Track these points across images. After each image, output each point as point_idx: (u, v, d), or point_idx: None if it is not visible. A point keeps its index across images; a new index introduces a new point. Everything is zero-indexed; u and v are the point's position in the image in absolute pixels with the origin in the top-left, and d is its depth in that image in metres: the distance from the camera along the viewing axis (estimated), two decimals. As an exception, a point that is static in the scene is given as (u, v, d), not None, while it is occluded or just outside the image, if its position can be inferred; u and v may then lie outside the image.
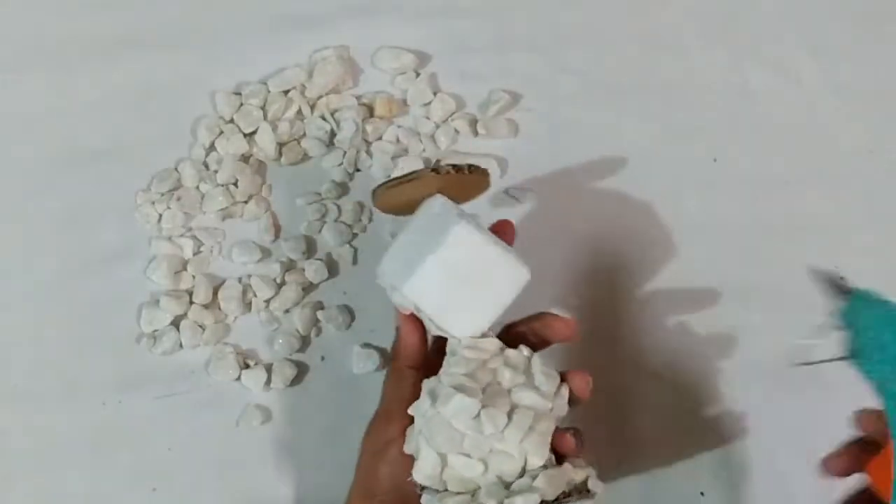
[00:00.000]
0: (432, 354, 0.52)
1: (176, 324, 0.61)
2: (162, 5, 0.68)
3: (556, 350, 0.51)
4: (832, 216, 0.66)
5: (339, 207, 0.64)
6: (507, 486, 0.45)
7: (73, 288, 0.62)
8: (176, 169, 0.65)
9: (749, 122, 0.68)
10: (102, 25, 0.68)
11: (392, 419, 0.50)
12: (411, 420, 0.48)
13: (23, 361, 0.61)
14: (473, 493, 0.45)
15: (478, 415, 0.45)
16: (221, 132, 0.65)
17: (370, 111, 0.67)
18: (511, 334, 0.51)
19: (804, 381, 0.62)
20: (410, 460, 0.47)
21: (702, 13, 0.71)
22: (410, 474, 0.47)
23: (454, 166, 0.50)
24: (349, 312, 0.62)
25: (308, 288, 0.63)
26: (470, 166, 0.51)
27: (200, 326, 0.61)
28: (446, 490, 0.46)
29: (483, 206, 0.62)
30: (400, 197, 0.51)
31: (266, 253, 0.63)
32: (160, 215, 0.63)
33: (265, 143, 0.64)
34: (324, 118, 0.66)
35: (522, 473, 0.46)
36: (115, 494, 0.59)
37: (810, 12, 0.71)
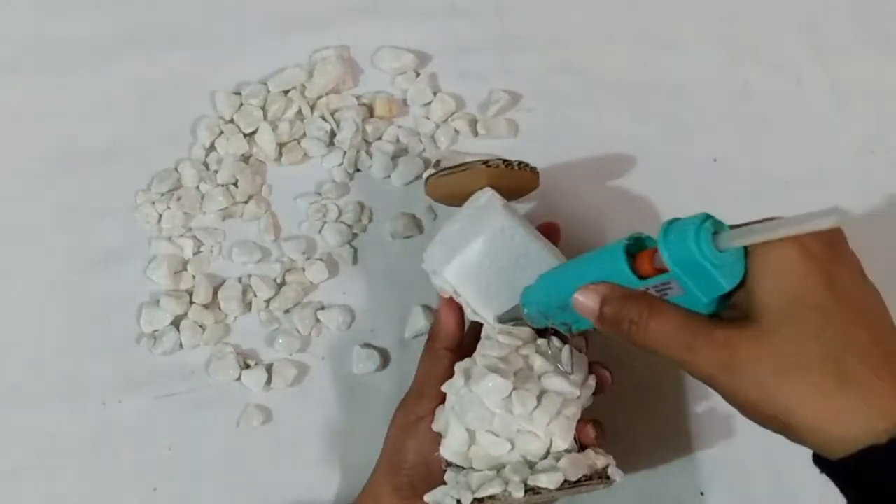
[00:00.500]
0: (467, 339, 0.54)
1: (176, 324, 0.61)
2: (162, 5, 0.68)
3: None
4: (832, 216, 0.66)
5: (339, 207, 0.64)
6: (532, 465, 0.48)
7: (73, 288, 0.62)
8: (176, 169, 0.64)
9: (749, 122, 0.68)
10: (102, 25, 0.68)
11: (424, 397, 0.53)
12: (441, 399, 0.51)
13: (23, 361, 0.61)
14: (498, 470, 0.48)
15: (509, 396, 0.47)
16: (221, 132, 0.65)
17: (370, 111, 0.67)
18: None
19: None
20: (438, 437, 0.50)
21: (702, 13, 0.70)
22: (438, 450, 0.49)
23: (504, 161, 0.53)
24: (349, 312, 0.62)
25: (308, 288, 0.63)
26: (520, 163, 0.54)
27: (200, 326, 0.61)
28: (471, 468, 0.48)
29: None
30: (450, 186, 0.55)
31: (266, 253, 0.63)
32: (160, 215, 0.63)
33: (265, 143, 0.64)
34: (324, 118, 0.66)
35: (546, 455, 0.48)
36: (116, 494, 0.59)
37: (810, 12, 0.71)
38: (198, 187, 0.64)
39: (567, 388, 0.49)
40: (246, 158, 0.65)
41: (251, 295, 0.62)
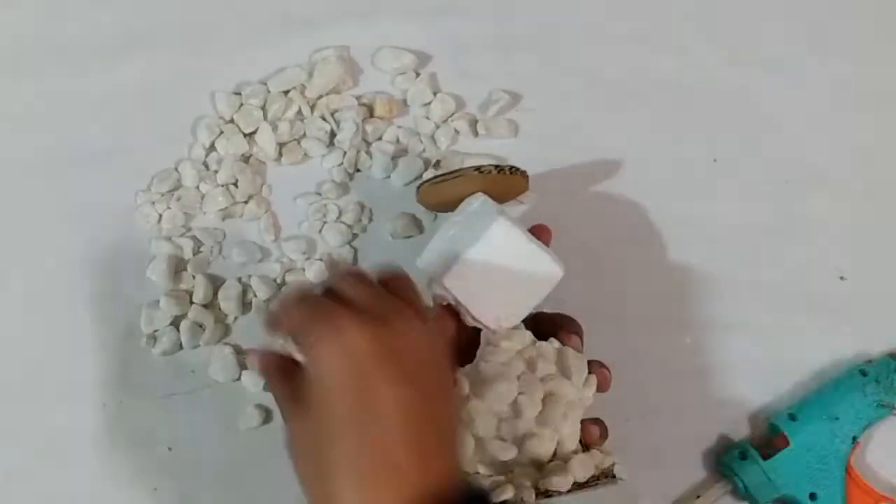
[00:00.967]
0: (465, 344, 0.54)
1: (176, 324, 0.61)
2: (162, 5, 0.68)
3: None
4: (832, 216, 0.66)
5: (339, 207, 0.64)
6: (540, 468, 0.48)
7: (74, 288, 0.62)
8: (176, 169, 0.64)
9: (749, 122, 0.68)
10: (102, 25, 0.68)
11: None
12: None
13: (23, 361, 0.61)
14: (507, 474, 0.48)
15: (514, 401, 0.48)
16: (221, 132, 0.65)
17: (370, 111, 0.67)
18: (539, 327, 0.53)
19: (805, 379, 0.62)
20: None
21: (702, 13, 0.71)
22: None
23: (496, 167, 0.54)
24: (349, 312, 0.62)
25: (308, 288, 0.63)
26: (511, 168, 0.54)
27: (200, 326, 0.61)
28: (477, 473, 0.48)
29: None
30: (443, 194, 0.55)
31: (266, 253, 0.63)
32: (160, 215, 0.63)
33: (265, 143, 0.64)
34: (324, 118, 0.66)
35: (553, 458, 0.48)
36: (116, 494, 0.59)
37: (810, 12, 0.71)
38: (198, 187, 0.64)
39: (570, 391, 0.49)
40: (246, 158, 0.65)
41: (251, 295, 0.62)
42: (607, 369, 0.53)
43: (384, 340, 0.42)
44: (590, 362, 0.52)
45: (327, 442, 0.42)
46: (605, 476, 0.48)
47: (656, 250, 0.65)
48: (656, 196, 0.66)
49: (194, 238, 0.63)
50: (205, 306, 0.61)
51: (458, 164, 0.65)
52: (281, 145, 0.65)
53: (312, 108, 0.66)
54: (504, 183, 0.54)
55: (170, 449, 0.59)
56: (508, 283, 0.50)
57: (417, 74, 0.67)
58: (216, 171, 0.64)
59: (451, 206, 0.55)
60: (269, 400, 0.60)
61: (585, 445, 0.50)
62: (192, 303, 0.62)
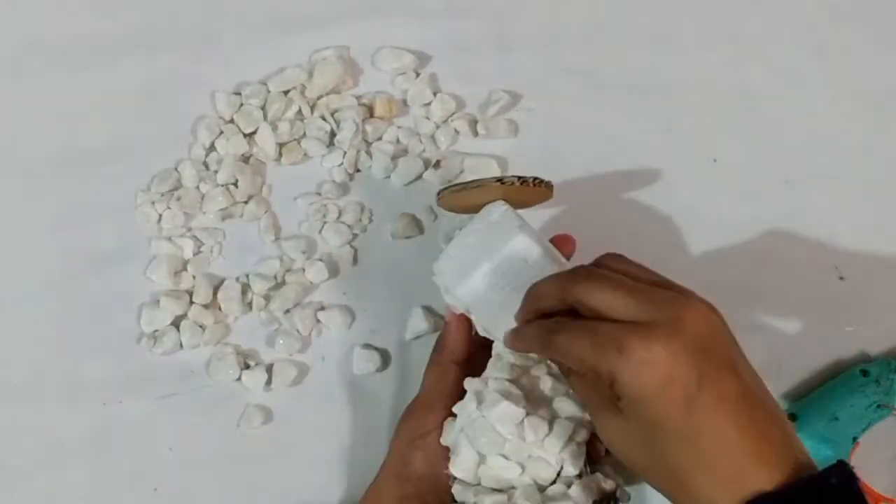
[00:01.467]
0: (474, 350, 0.54)
1: (176, 324, 0.61)
2: (162, 5, 0.68)
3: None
4: (832, 216, 0.66)
5: (339, 208, 0.64)
6: (542, 489, 0.48)
7: (73, 288, 0.62)
8: (176, 169, 0.64)
9: (749, 122, 0.68)
10: (102, 25, 0.68)
11: (432, 410, 0.53)
12: (449, 412, 0.51)
13: (23, 361, 0.61)
14: (508, 492, 0.48)
15: (521, 422, 0.47)
16: (221, 132, 0.65)
17: (370, 111, 0.66)
18: None
19: (805, 379, 0.62)
20: (446, 450, 0.50)
21: (702, 13, 0.70)
22: (446, 465, 0.49)
23: (520, 178, 0.53)
24: (349, 312, 0.62)
25: (308, 288, 0.63)
26: (535, 179, 0.53)
27: (200, 326, 0.61)
28: (479, 484, 0.49)
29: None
30: (464, 201, 0.54)
31: (266, 253, 0.63)
32: (160, 215, 0.63)
33: (265, 143, 0.64)
34: (324, 118, 0.66)
35: (556, 478, 0.48)
36: (116, 494, 0.59)
37: (811, 12, 0.71)
38: (198, 187, 0.64)
39: (578, 413, 0.49)
40: (246, 158, 0.65)
41: (251, 295, 0.62)
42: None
43: (685, 344, 0.41)
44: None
45: (662, 444, 0.41)
46: (606, 500, 0.48)
47: (656, 250, 0.65)
48: (656, 196, 0.66)
49: (194, 238, 0.63)
50: (205, 306, 0.61)
51: (458, 164, 0.65)
52: (281, 145, 0.65)
53: (312, 108, 0.66)
54: (527, 193, 0.53)
55: (170, 449, 0.59)
56: (523, 297, 0.49)
57: (417, 74, 0.67)
58: (216, 171, 0.64)
59: (471, 212, 0.54)
60: (269, 400, 0.61)
61: (591, 460, 0.50)
62: (192, 303, 0.62)
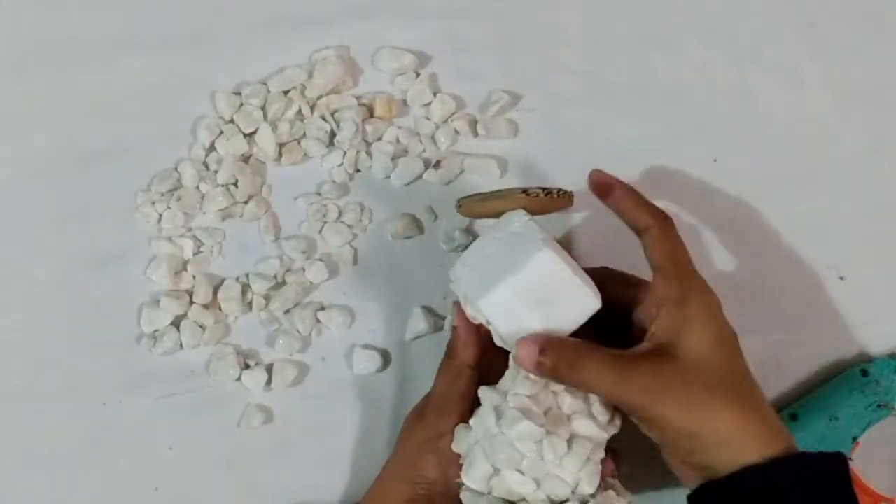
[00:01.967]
0: (488, 351, 0.54)
1: (176, 324, 0.61)
2: (162, 5, 0.68)
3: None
4: (832, 216, 0.66)
5: (339, 208, 0.64)
6: None
7: (73, 288, 0.62)
8: (176, 169, 0.64)
9: (749, 122, 0.68)
10: (102, 25, 0.68)
11: (445, 413, 0.53)
12: (461, 417, 0.51)
13: (23, 361, 0.61)
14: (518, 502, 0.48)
15: (540, 441, 0.47)
16: (221, 132, 0.65)
17: (370, 111, 0.66)
18: None
19: (805, 379, 0.62)
20: (458, 455, 0.50)
21: (702, 13, 0.70)
22: (457, 471, 0.50)
23: (545, 189, 0.53)
24: (349, 312, 0.62)
25: (308, 288, 0.63)
26: (560, 191, 0.54)
27: (200, 326, 0.61)
28: (490, 494, 0.49)
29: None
30: (485, 210, 0.54)
31: (266, 253, 0.63)
32: (160, 215, 0.63)
33: (265, 143, 0.64)
34: (324, 118, 0.66)
35: (570, 496, 0.48)
36: (117, 494, 0.59)
37: (810, 12, 0.71)
38: (198, 187, 0.64)
39: (596, 432, 0.49)
40: (246, 158, 0.65)
41: (251, 295, 0.62)
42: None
43: None
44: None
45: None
46: None
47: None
48: (656, 196, 0.65)
49: (194, 238, 0.63)
50: (205, 306, 0.62)
51: (459, 164, 0.65)
52: (281, 145, 0.65)
53: (312, 108, 0.66)
54: (549, 204, 0.53)
55: (170, 449, 0.59)
56: (544, 310, 0.49)
57: (417, 75, 0.67)
58: (216, 171, 0.64)
59: (490, 218, 0.54)
60: (269, 400, 0.61)
61: (601, 475, 0.50)
62: (192, 303, 0.62)
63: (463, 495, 0.49)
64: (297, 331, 0.61)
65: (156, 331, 0.61)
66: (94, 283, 0.62)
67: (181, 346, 0.61)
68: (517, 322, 0.49)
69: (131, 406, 0.60)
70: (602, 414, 0.49)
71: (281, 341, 0.61)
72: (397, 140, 0.66)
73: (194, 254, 0.63)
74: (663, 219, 0.52)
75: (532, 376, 0.49)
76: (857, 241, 0.66)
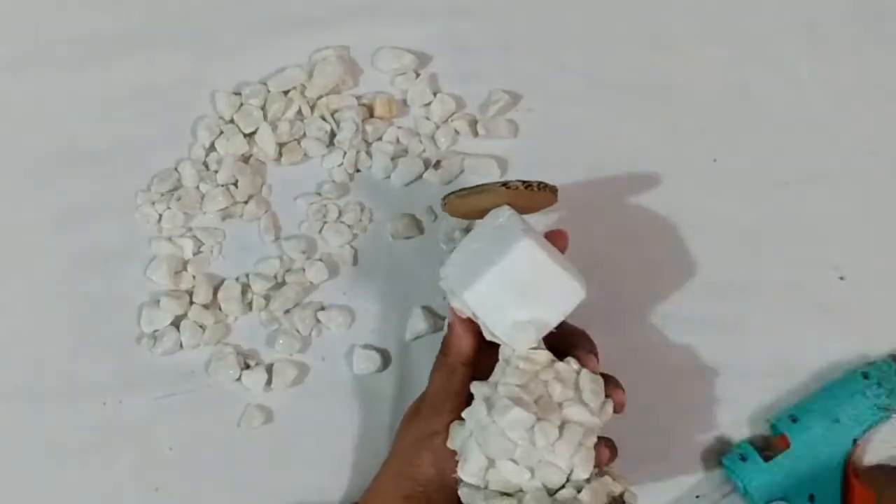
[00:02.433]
0: (481, 350, 0.54)
1: (176, 324, 0.61)
2: (162, 5, 0.68)
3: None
4: (832, 216, 0.66)
5: (339, 208, 0.64)
6: (551, 493, 0.48)
7: (73, 288, 0.62)
8: (176, 169, 0.64)
9: (749, 122, 0.68)
10: (102, 25, 0.68)
11: (440, 411, 0.53)
12: (456, 414, 0.51)
13: (23, 361, 0.61)
14: (517, 496, 0.48)
15: (532, 428, 0.47)
16: (221, 132, 0.65)
17: (370, 111, 0.67)
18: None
19: (806, 381, 0.63)
20: (454, 452, 0.50)
21: (702, 13, 0.70)
22: (453, 467, 0.49)
23: (524, 183, 0.52)
24: (349, 313, 0.62)
25: (308, 288, 0.63)
26: (540, 183, 0.53)
27: (200, 326, 0.61)
28: (487, 488, 0.49)
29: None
30: (469, 206, 0.54)
31: (266, 253, 0.63)
32: (160, 215, 0.63)
33: (265, 143, 0.64)
34: (324, 118, 0.66)
35: (565, 483, 0.48)
36: (117, 494, 0.59)
37: (810, 12, 0.71)
38: (198, 187, 0.64)
39: (587, 418, 0.49)
40: (246, 158, 0.65)
41: (251, 295, 0.62)
42: (622, 389, 0.52)
43: None
44: (606, 380, 0.51)
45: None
46: (616, 503, 0.48)
47: (655, 250, 0.65)
48: (656, 196, 0.66)
49: (194, 238, 0.63)
50: (205, 306, 0.62)
51: (458, 165, 0.65)
52: (281, 145, 0.65)
53: (312, 108, 0.66)
54: (532, 197, 0.53)
55: (170, 449, 0.59)
56: (530, 301, 0.49)
57: (417, 75, 0.67)
58: (216, 171, 0.64)
59: (477, 216, 0.54)
60: (269, 400, 0.61)
61: (596, 464, 0.50)
62: (192, 303, 0.62)
63: (461, 491, 0.49)
64: (297, 331, 0.61)
65: (156, 331, 0.61)
66: (94, 283, 0.62)
67: (181, 346, 0.61)
68: (503, 313, 0.50)
69: (131, 406, 0.60)
70: (593, 400, 0.49)
71: (281, 341, 0.61)
72: (397, 140, 0.66)
73: (194, 254, 0.63)
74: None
75: (522, 366, 0.50)
76: (857, 241, 0.66)
